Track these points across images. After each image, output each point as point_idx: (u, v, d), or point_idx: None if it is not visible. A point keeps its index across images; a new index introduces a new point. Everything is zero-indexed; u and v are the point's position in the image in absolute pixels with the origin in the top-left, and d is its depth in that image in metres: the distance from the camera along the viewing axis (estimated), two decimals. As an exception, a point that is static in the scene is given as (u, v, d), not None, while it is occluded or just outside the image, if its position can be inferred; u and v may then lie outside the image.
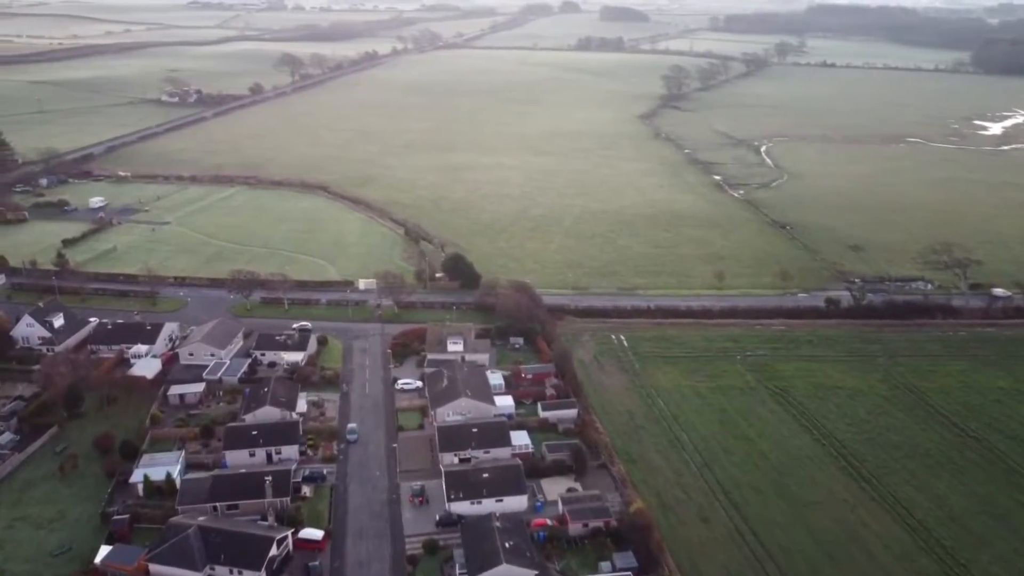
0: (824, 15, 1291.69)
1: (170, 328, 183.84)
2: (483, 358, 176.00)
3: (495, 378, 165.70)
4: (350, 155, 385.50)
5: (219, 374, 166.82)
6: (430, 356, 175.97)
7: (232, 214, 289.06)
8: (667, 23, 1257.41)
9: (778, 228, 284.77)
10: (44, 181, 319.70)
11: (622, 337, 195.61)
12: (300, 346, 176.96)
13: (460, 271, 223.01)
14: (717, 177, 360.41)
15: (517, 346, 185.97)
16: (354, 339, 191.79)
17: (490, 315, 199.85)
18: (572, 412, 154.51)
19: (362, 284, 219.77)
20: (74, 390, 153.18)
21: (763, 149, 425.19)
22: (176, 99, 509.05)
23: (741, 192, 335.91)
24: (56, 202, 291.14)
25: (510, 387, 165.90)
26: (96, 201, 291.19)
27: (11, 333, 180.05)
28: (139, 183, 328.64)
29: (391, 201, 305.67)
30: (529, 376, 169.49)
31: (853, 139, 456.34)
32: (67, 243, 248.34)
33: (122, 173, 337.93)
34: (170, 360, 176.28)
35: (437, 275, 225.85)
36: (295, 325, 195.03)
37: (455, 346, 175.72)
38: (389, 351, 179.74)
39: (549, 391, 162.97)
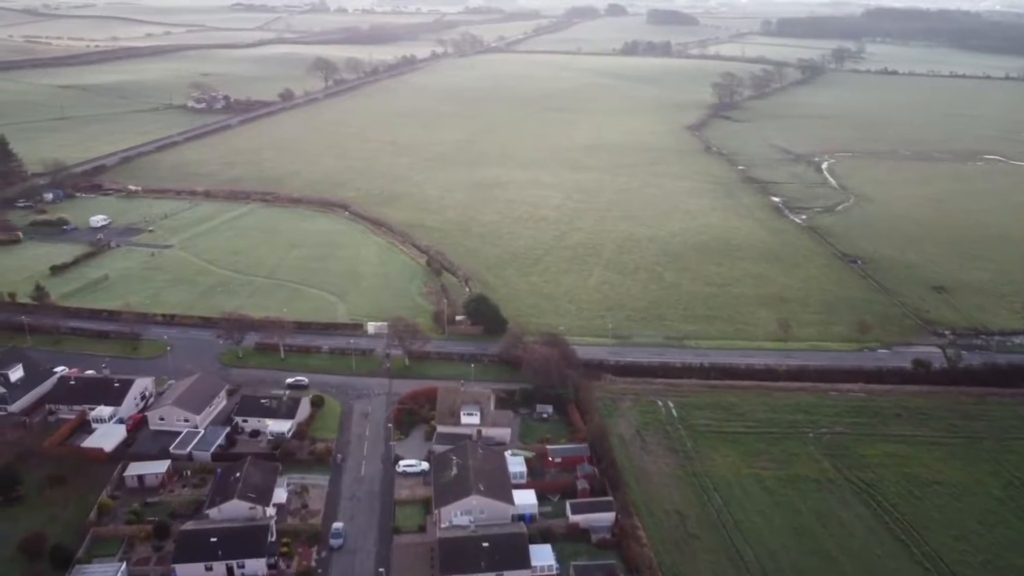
0: (882, 19, 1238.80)
1: (142, 385, 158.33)
2: (503, 434, 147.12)
3: (516, 463, 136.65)
4: (376, 169, 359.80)
5: (189, 447, 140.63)
6: (440, 429, 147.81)
7: (241, 236, 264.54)
8: (717, 27, 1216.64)
9: (848, 263, 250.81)
10: (49, 195, 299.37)
11: (670, 404, 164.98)
12: (289, 412, 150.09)
13: (484, 315, 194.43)
14: (775, 199, 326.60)
15: (545, 416, 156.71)
16: (356, 399, 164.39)
17: (515, 372, 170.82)
18: (608, 516, 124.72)
19: (371, 328, 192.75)
20: (9, 470, 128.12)
21: (825, 166, 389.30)
22: (203, 105, 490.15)
23: (803, 217, 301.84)
24: (55, 220, 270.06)
25: (534, 474, 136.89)
26: (98, 220, 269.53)
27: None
28: (149, 199, 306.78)
29: (415, 223, 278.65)
30: (558, 460, 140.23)
31: (924, 155, 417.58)
32: (56, 270, 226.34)
33: (132, 187, 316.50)
34: (138, 424, 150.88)
35: (458, 318, 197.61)
36: (289, 380, 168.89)
37: (470, 418, 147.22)
38: (391, 425, 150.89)
39: (581, 483, 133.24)
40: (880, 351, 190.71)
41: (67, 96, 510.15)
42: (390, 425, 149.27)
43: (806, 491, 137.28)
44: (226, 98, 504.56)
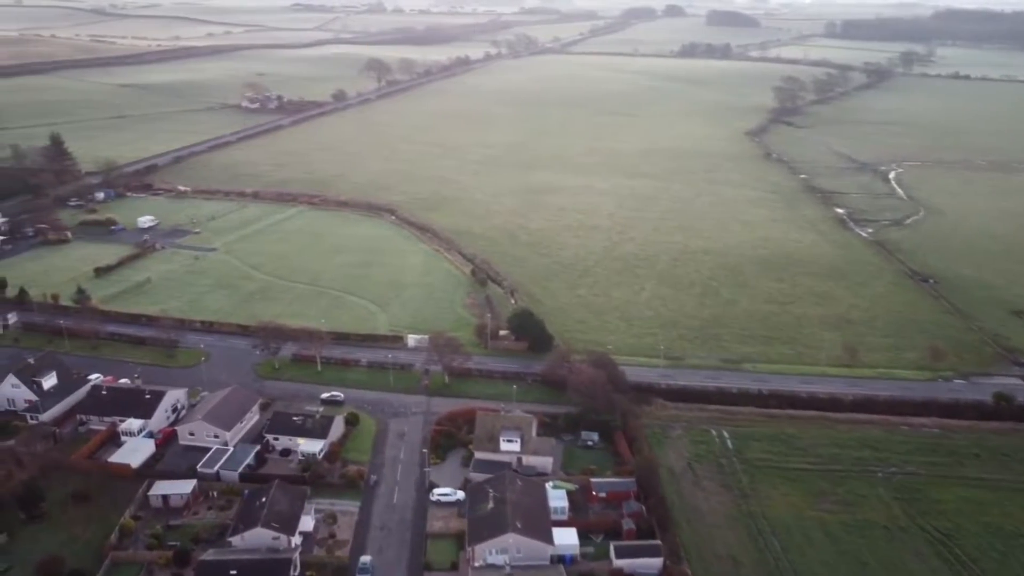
0: (953, 21, 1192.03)
1: (173, 397, 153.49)
2: (544, 463, 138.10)
3: (557, 497, 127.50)
4: (425, 172, 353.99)
5: (216, 466, 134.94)
6: (478, 455, 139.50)
7: (286, 240, 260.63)
8: (778, 28, 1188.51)
9: (918, 281, 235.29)
10: (100, 195, 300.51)
11: (725, 433, 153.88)
12: (321, 431, 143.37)
13: (528, 330, 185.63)
14: (840, 210, 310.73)
15: (590, 443, 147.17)
16: (392, 417, 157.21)
17: (560, 394, 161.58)
18: (656, 562, 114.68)
19: (412, 341, 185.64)
20: (33, 486, 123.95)
21: (892, 176, 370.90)
22: (256, 105, 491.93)
23: (869, 231, 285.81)
24: (104, 220, 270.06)
25: (576, 509, 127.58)
26: (145, 221, 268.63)
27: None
28: (198, 199, 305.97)
29: (462, 230, 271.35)
30: (602, 495, 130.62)
31: (1000, 166, 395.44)
32: (100, 271, 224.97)
33: (182, 188, 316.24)
34: (168, 438, 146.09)
35: (501, 332, 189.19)
36: (324, 395, 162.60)
37: (510, 444, 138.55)
38: (426, 450, 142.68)
39: (626, 523, 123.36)
40: (956, 381, 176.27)
41: (126, 95, 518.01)
42: (425, 451, 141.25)
43: (874, 539, 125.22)
44: (279, 98, 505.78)
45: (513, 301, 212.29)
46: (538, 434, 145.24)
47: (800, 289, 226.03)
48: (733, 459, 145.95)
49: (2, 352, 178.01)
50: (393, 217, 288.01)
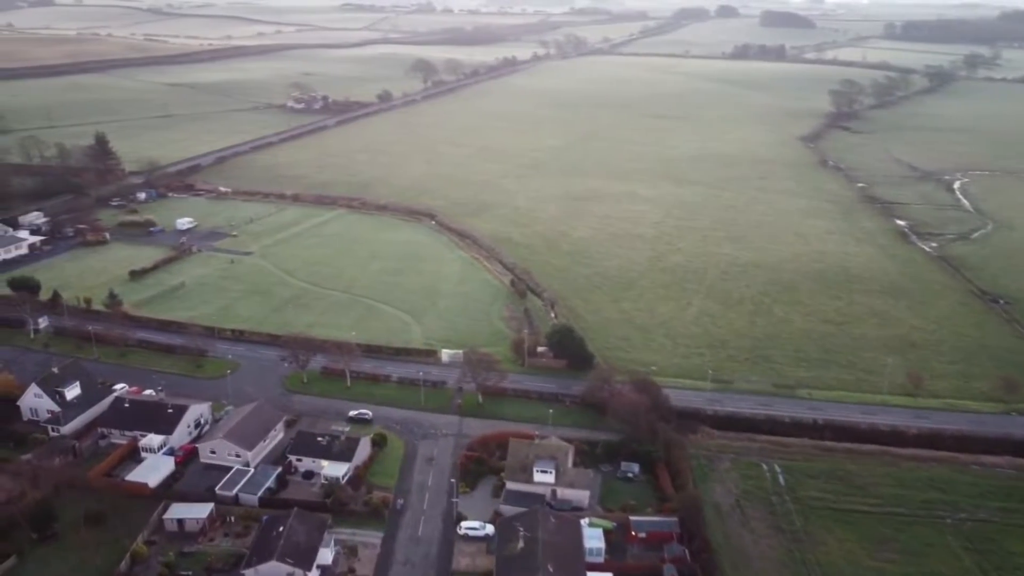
0: (1020, 22, 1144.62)
1: (196, 411, 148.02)
2: (580, 497, 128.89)
3: (593, 537, 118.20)
4: (467, 176, 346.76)
5: (236, 489, 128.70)
6: (510, 486, 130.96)
7: (323, 245, 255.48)
8: (835, 30, 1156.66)
9: (988, 302, 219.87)
10: (142, 195, 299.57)
11: (776, 468, 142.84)
12: (346, 454, 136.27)
13: (568, 348, 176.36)
14: (900, 222, 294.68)
15: (630, 475, 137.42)
16: (421, 439, 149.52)
17: (599, 418, 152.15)
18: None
19: (446, 355, 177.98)
20: (45, 506, 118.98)
21: (957, 186, 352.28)
22: (301, 105, 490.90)
23: (933, 245, 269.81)
24: (143, 222, 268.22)
25: (613, 550, 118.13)
26: (183, 223, 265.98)
27: (19, 402, 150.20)
28: (238, 201, 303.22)
29: (503, 237, 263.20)
30: (642, 535, 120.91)
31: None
32: (135, 275, 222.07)
33: (223, 189, 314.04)
34: (189, 456, 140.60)
35: (539, 349, 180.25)
36: (352, 412, 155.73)
37: (544, 476, 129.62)
38: (454, 480, 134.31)
39: (668, 569, 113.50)
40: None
41: (174, 94, 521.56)
42: (453, 480, 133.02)
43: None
44: (324, 98, 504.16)
45: (553, 315, 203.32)
46: (575, 464, 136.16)
47: (858, 308, 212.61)
48: (785, 497, 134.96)
49: (31, 358, 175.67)
50: (433, 222, 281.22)
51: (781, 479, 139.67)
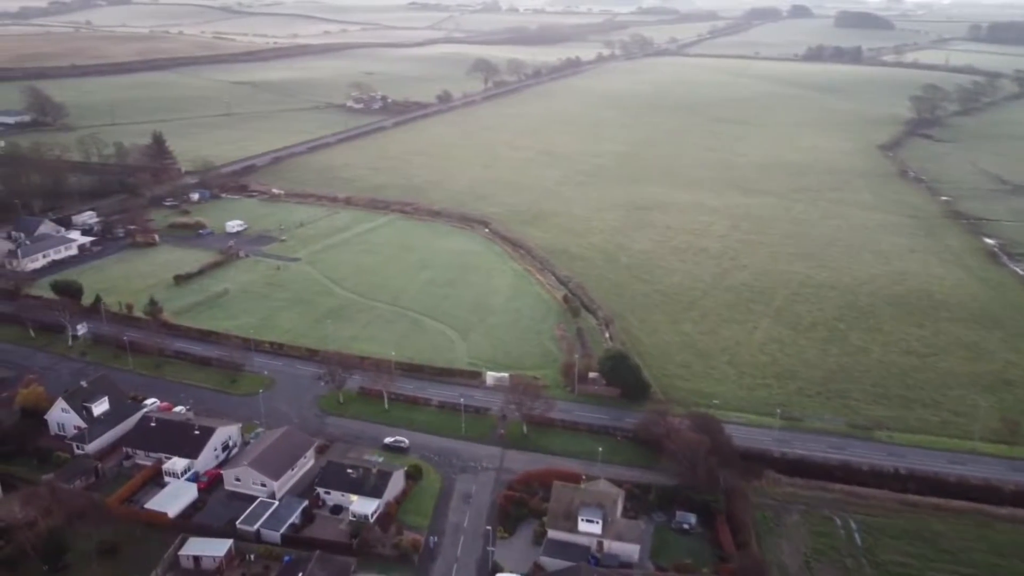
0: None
1: (224, 434, 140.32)
2: (629, 551, 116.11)
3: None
4: (524, 181, 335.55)
5: (257, 524, 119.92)
6: (551, 534, 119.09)
7: (372, 252, 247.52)
8: (915, 31, 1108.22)
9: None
10: (196, 196, 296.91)
11: (852, 524, 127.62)
12: (377, 489, 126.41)
13: (622, 376, 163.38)
14: (990, 241, 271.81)
15: (686, 527, 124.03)
16: (459, 472, 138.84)
17: (654, 457, 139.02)
18: None
19: (491, 378, 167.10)
20: (57, 536, 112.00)
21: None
22: (361, 105, 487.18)
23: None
24: (193, 224, 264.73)
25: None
26: (233, 225, 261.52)
27: (47, 416, 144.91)
28: (290, 203, 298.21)
29: (559, 248, 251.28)
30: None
31: None
32: (179, 280, 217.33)
33: (276, 191, 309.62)
34: (213, 482, 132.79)
35: (591, 375, 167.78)
36: (388, 439, 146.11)
37: (590, 525, 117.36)
38: (489, 527, 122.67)
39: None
40: None
41: (237, 92, 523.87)
42: (488, 527, 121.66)
43: None
44: (384, 99, 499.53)
45: (607, 335, 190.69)
46: (624, 512, 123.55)
47: (945, 338, 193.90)
48: (862, 560, 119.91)
49: (67, 366, 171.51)
50: (487, 230, 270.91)
51: (857, 537, 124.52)
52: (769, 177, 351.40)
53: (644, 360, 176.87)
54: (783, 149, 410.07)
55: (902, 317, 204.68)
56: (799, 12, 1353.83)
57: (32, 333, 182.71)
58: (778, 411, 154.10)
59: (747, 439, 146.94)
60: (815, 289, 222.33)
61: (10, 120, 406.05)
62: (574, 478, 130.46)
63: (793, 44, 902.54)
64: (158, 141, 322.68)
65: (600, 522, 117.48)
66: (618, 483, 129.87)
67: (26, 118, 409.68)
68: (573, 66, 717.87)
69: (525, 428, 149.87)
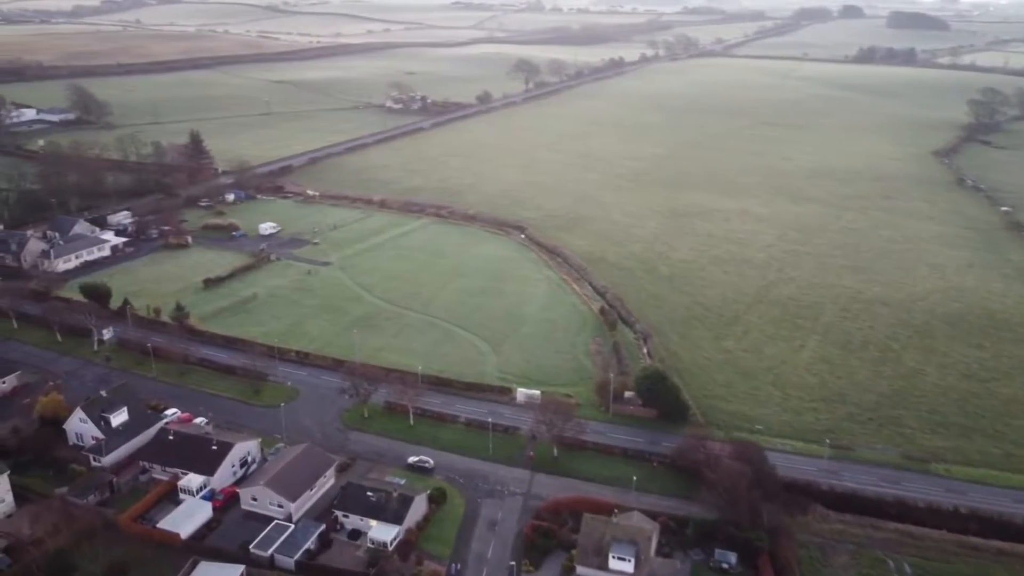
0: None
1: (243, 449, 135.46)
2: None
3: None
4: (563, 185, 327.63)
5: (271, 549, 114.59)
6: (580, 570, 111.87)
7: (405, 258, 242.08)
8: (971, 32, 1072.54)
9: None
10: (231, 196, 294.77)
11: (907, 567, 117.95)
12: (398, 514, 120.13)
13: (659, 396, 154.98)
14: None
15: (726, 566, 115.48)
16: (486, 496, 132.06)
17: (692, 486, 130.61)
18: None
19: (521, 395, 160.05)
20: (62, 558, 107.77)
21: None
22: (400, 106, 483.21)
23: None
24: (226, 225, 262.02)
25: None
26: (266, 227, 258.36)
27: (65, 426, 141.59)
28: (324, 205, 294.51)
29: (596, 256, 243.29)
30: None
31: None
32: (208, 283, 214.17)
33: (311, 192, 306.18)
34: (229, 500, 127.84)
35: (627, 394, 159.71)
36: (412, 459, 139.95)
37: (622, 563, 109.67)
38: (513, 563, 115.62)
39: None
40: None
41: (277, 92, 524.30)
42: (512, 563, 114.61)
43: None
44: (423, 99, 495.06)
45: (645, 350, 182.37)
46: (659, 548, 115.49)
47: (1007, 361, 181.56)
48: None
49: (91, 371, 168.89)
50: (523, 236, 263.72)
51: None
52: (817, 184, 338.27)
53: (683, 378, 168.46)
54: (832, 154, 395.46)
55: (960, 337, 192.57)
56: (850, 12, 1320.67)
57: (59, 337, 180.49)
58: (827, 441, 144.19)
59: (792, 469, 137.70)
60: (866, 305, 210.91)
61: (55, 118, 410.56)
62: (606, 508, 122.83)
63: (844, 45, 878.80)
64: (195, 140, 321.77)
65: (633, 560, 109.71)
66: (653, 515, 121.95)
67: (70, 116, 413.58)
68: (616, 67, 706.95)
69: (555, 451, 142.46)
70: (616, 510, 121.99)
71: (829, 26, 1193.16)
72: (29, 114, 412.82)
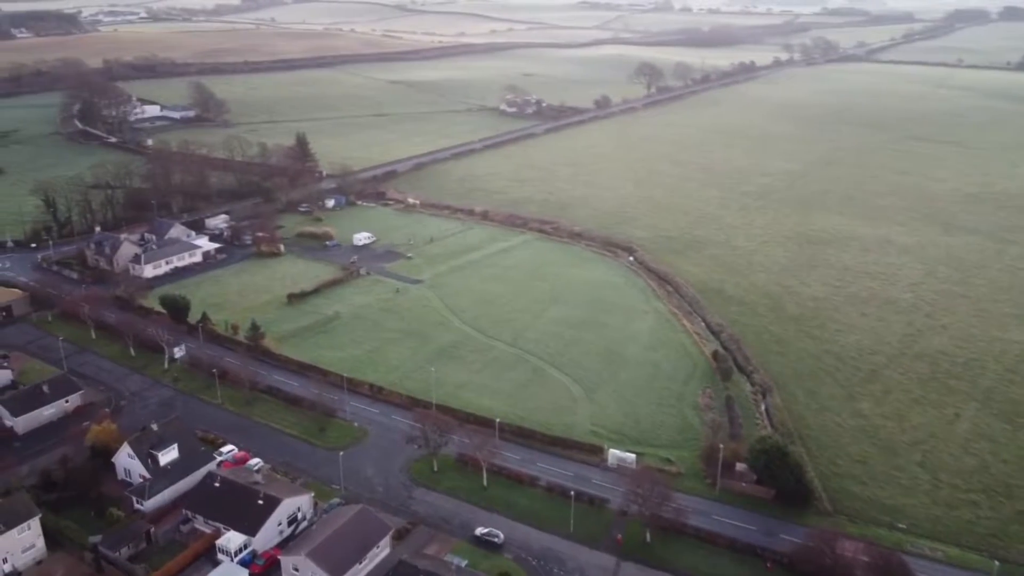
0: None
1: (292, 505, 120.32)
2: None
3: None
4: (680, 202, 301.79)
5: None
6: None
7: (501, 279, 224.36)
8: None
9: None
10: (331, 202, 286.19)
11: None
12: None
13: (778, 475, 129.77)
14: None
15: None
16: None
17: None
18: None
19: (613, 457, 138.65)
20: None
21: None
22: (514, 109, 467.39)
23: None
24: (320, 234, 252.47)
25: None
26: (361, 238, 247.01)
27: (114, 459, 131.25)
28: (424, 215, 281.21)
29: (712, 287, 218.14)
30: None
31: None
32: (292, 299, 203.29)
33: (412, 200, 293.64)
34: (270, 565, 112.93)
35: (739, 466, 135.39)
36: (480, 530, 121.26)
37: None
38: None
39: None
40: None
41: (392, 92, 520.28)
42: None
43: None
44: (538, 102, 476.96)
45: (764, 407, 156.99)
46: None
47: None
48: None
49: (157, 393, 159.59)
50: (631, 259, 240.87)
51: None
52: (975, 211, 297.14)
53: (808, 448, 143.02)
54: (994, 176, 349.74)
55: None
56: (1011, 14, 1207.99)
57: (132, 351, 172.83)
58: (989, 529, 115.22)
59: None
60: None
61: (176, 115, 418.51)
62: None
63: (1005, 50, 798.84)
64: (301, 142, 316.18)
65: None
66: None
67: (190, 113, 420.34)
68: (746, 71, 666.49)
69: (648, 535, 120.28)
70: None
71: (988, 29, 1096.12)
72: (152, 110, 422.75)
